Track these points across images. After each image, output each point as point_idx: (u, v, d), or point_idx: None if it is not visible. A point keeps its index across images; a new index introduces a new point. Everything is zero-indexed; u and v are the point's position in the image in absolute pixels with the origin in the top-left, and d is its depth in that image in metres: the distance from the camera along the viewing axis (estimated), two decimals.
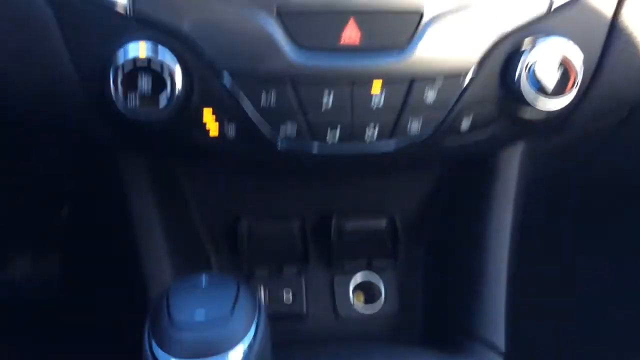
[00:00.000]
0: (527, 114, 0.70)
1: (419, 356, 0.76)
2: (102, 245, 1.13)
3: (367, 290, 0.96)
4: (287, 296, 0.94)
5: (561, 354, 1.09)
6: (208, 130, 0.70)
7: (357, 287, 0.96)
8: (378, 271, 0.95)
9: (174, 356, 0.54)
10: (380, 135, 0.69)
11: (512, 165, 0.84)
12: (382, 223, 0.92)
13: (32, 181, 0.99)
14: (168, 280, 0.81)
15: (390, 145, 0.70)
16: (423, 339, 0.91)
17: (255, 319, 0.57)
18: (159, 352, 0.54)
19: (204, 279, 0.60)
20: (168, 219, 0.85)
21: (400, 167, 0.82)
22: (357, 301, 0.96)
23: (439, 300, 0.91)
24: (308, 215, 0.92)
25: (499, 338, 0.78)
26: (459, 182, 0.90)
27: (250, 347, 0.56)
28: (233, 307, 0.56)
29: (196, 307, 0.56)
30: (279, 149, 0.70)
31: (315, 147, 0.70)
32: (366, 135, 0.69)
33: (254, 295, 0.60)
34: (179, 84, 0.64)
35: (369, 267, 0.95)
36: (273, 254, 0.94)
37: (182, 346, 0.54)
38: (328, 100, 0.67)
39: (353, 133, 0.69)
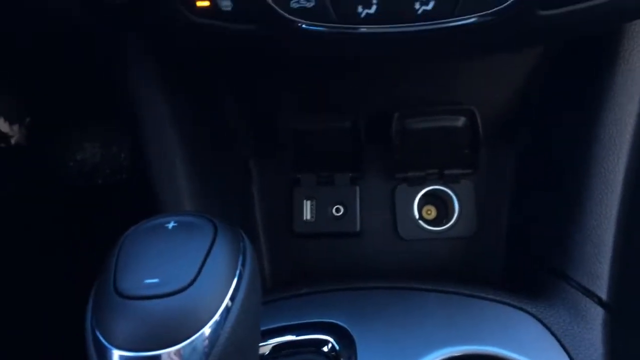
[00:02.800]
0: None
1: (486, 306, 0.62)
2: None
3: (437, 206, 0.83)
4: (338, 209, 0.82)
5: None
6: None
7: (424, 202, 0.83)
8: (451, 183, 0.82)
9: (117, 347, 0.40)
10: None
11: None
12: (459, 122, 0.77)
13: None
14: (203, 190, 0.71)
15: (461, 20, 0.53)
16: (502, 271, 0.78)
17: (234, 284, 0.41)
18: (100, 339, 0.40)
19: (170, 223, 0.43)
20: (195, 118, 0.73)
21: (481, 49, 0.65)
22: (423, 219, 0.82)
23: (527, 226, 0.76)
24: (362, 111, 0.78)
25: (600, 285, 0.64)
26: (565, 66, 0.72)
27: (216, 328, 0.40)
28: (199, 270, 0.40)
29: (150, 270, 0.41)
30: (295, 27, 0.53)
31: (338, 23, 0.53)
32: (418, 4, 0.51)
33: (237, 245, 0.43)
34: None
35: (440, 177, 0.81)
36: (321, 159, 0.82)
37: (126, 333, 0.39)
38: None
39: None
